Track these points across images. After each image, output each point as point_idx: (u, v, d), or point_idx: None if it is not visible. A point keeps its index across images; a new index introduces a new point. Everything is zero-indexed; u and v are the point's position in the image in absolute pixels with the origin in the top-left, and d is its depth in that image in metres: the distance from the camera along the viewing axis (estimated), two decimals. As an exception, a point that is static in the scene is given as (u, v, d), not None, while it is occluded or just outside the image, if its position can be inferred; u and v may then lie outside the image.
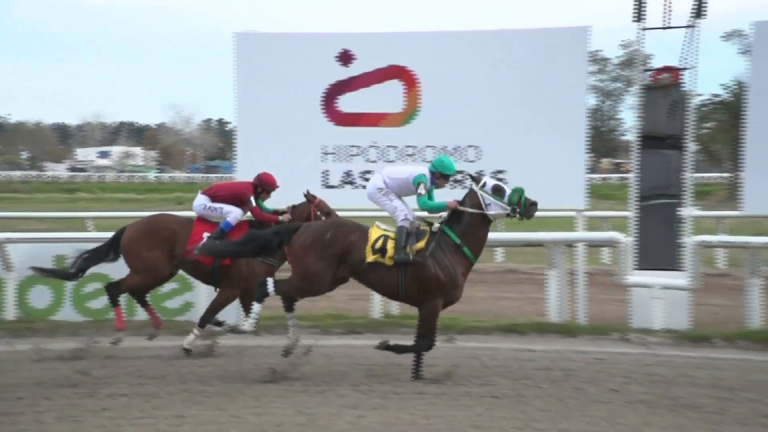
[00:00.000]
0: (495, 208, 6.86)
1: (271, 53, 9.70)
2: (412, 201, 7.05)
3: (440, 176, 7.15)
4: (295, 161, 9.56)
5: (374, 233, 6.92)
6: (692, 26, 9.56)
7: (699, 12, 9.30)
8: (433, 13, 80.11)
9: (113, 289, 7.98)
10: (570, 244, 9.82)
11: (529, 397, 6.25)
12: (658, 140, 10.01)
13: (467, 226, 6.90)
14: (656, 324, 8.81)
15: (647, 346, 8.18)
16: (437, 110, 9.45)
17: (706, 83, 53.85)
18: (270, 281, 6.96)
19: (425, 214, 7.10)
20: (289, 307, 7.18)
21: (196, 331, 7.83)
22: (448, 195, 7.49)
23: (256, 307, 6.96)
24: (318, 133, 9.58)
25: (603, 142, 61.47)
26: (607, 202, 28.47)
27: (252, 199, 8.05)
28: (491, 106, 9.44)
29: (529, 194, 9.64)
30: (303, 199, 7.95)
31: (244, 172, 9.51)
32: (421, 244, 6.82)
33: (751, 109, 9.21)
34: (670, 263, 9.57)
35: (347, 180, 9.64)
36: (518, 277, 13.49)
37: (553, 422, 5.63)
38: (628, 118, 57.03)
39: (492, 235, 13.66)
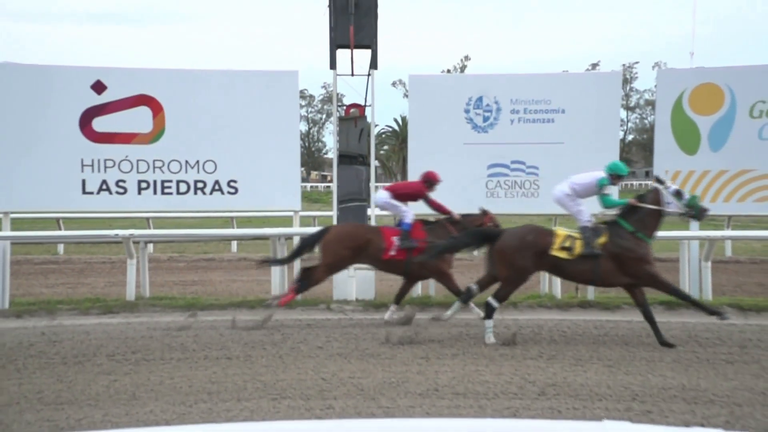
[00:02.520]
0: (673, 207, 7.12)
1: (33, 82, 9.21)
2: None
3: (616, 177, 7.46)
4: (56, 171, 9.26)
5: (560, 234, 7.09)
6: (369, 75, 10.05)
7: (373, 64, 9.82)
8: (182, 50, 76.35)
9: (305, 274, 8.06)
10: (289, 237, 9.97)
11: (256, 357, 6.43)
12: (351, 158, 10.46)
13: (644, 217, 7.09)
14: (351, 296, 9.30)
15: (344, 313, 8.52)
16: (180, 131, 9.46)
17: (382, 117, 58.58)
18: (492, 299, 7.15)
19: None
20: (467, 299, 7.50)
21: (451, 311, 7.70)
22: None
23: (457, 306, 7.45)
24: (77, 148, 9.32)
25: (312, 158, 63.30)
26: (316, 205, 28.96)
27: (428, 194, 8.37)
28: (224, 129, 9.51)
29: (256, 199, 10.16)
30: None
31: (5, 181, 9.24)
32: (602, 239, 7.03)
33: (411, 137, 9.99)
34: None
35: (103, 188, 9.41)
36: (249, 264, 12.94)
37: (274, 375, 5.85)
38: (329, 141, 59.33)
39: (227, 231, 13.91)
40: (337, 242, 7.99)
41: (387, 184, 8.35)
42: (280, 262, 8.67)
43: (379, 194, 8.45)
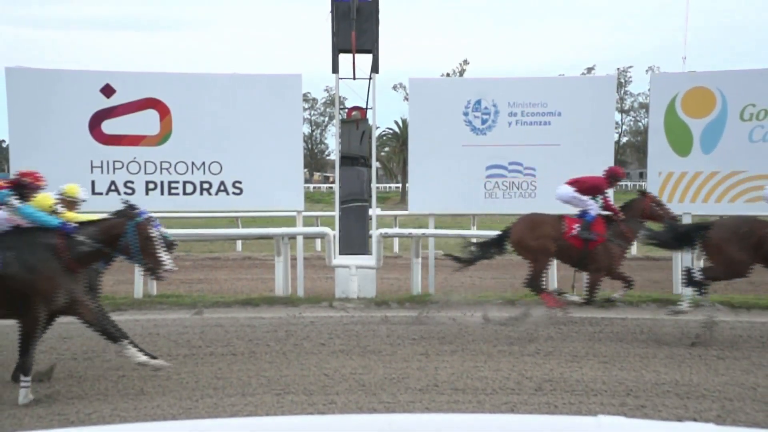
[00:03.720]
0: None
1: (43, 85, 9.21)
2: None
3: None
4: (67, 173, 9.15)
5: None
6: (371, 78, 10.08)
7: (375, 68, 9.82)
8: (189, 55, 76.53)
9: (532, 282, 7.85)
10: (292, 237, 9.95)
11: (260, 353, 6.44)
12: (353, 159, 10.57)
13: None
14: (352, 294, 9.22)
15: (346, 310, 8.48)
16: (187, 134, 9.44)
17: (383, 119, 58.86)
18: (696, 269, 7.06)
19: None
20: (701, 290, 7.24)
21: (575, 297, 7.87)
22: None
23: (689, 291, 7.30)
24: (86, 150, 9.32)
25: (315, 160, 63.31)
26: (319, 205, 29.10)
27: (607, 191, 8.03)
28: (229, 131, 9.48)
29: (261, 200, 10.13)
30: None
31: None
32: None
33: (411, 139, 9.98)
34: (362, 249, 10.13)
35: (112, 188, 9.40)
36: (253, 263, 13.48)
37: (278, 371, 5.86)
38: (332, 143, 59.46)
39: (232, 231, 13.93)
40: (530, 231, 7.84)
41: (570, 179, 8.04)
42: (466, 260, 8.19)
43: (564, 189, 8.03)
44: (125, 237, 5.45)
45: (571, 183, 8.02)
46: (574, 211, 7.98)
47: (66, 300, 5.41)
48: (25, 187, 5.68)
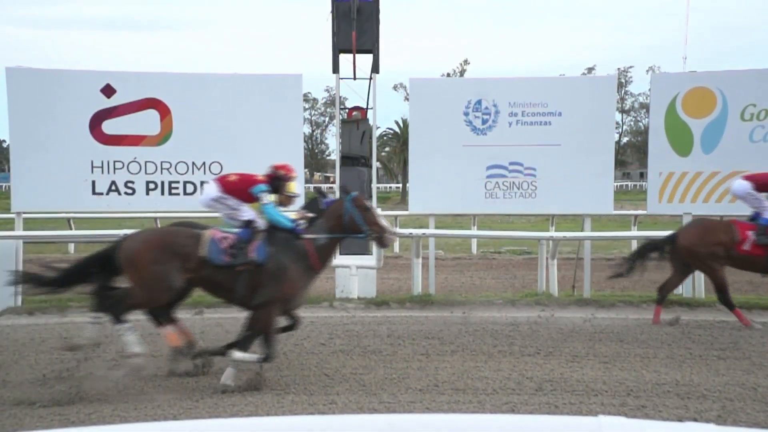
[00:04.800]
0: None
1: (44, 85, 9.19)
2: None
3: None
4: (67, 173, 9.25)
5: None
6: (371, 78, 10.06)
7: (375, 68, 9.81)
8: (190, 55, 76.60)
9: (725, 298, 7.63)
10: None
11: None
12: (353, 159, 10.56)
13: None
14: (353, 294, 9.21)
15: (346, 310, 8.50)
16: (187, 134, 9.42)
17: (383, 119, 58.84)
18: None
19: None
20: None
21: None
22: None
23: None
24: (87, 150, 9.28)
25: (315, 160, 63.31)
26: (319, 207, 29.30)
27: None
28: (229, 131, 9.43)
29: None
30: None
31: (18, 182, 9.30)
32: None
33: (412, 139, 9.97)
34: (363, 249, 9.88)
35: (112, 188, 9.38)
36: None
37: (278, 370, 5.85)
38: (332, 143, 59.41)
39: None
40: (700, 237, 7.60)
41: (747, 173, 7.79)
42: (627, 270, 7.95)
43: (740, 184, 7.75)
44: (347, 214, 5.80)
45: (749, 178, 7.73)
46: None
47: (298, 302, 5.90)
48: (279, 179, 6.08)
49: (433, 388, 5.46)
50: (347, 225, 5.82)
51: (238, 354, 5.53)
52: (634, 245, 13.58)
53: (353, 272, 9.29)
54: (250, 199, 5.96)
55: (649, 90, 11.31)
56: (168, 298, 5.70)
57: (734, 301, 7.81)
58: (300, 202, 7.03)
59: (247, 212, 5.93)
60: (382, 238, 5.91)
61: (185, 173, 9.49)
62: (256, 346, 5.65)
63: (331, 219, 5.86)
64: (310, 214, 5.96)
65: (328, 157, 62.73)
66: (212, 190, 6.05)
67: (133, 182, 9.40)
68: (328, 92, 54.79)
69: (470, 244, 14.80)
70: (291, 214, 6.05)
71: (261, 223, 5.85)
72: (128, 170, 9.41)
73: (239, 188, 5.99)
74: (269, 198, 5.95)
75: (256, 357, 5.58)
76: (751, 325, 7.51)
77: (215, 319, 7.93)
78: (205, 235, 5.68)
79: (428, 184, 9.69)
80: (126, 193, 9.39)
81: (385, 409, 4.98)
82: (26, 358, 6.36)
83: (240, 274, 5.61)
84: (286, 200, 6.15)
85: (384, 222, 5.90)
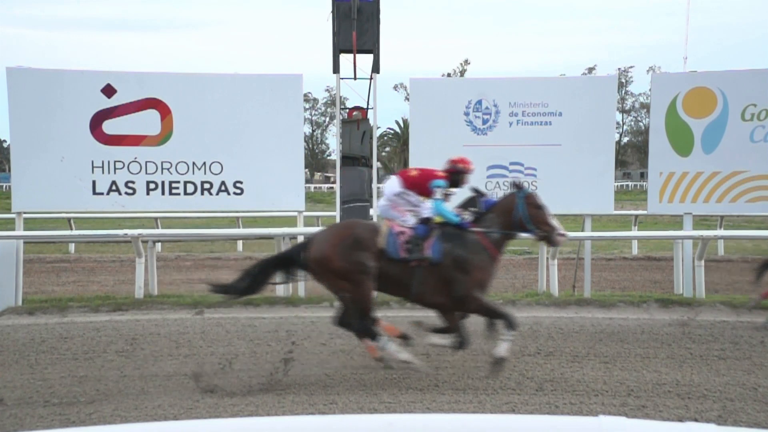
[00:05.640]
0: None
1: (44, 85, 9.19)
2: None
3: None
4: (68, 173, 9.24)
5: None
6: (371, 78, 9.98)
7: (375, 68, 9.74)
8: (190, 55, 76.62)
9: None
10: (293, 237, 9.78)
11: (260, 353, 6.43)
12: (354, 159, 10.48)
13: None
14: None
15: None
16: (188, 134, 9.41)
17: (384, 119, 58.93)
18: None
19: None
20: None
21: None
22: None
23: None
24: (87, 150, 9.27)
25: (316, 160, 63.34)
26: (320, 205, 29.00)
27: None
28: (230, 131, 9.45)
29: (261, 200, 10.07)
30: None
31: (18, 182, 9.30)
32: None
33: (412, 139, 9.88)
34: None
35: (113, 189, 9.35)
36: (254, 263, 13.09)
37: (276, 371, 5.71)
38: (333, 143, 59.45)
39: (233, 231, 13.90)
40: None
41: None
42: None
43: None
44: (517, 211, 5.88)
45: None
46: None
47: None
48: (459, 173, 6.21)
49: (434, 388, 5.46)
50: (516, 222, 5.91)
51: (503, 347, 5.62)
52: (635, 245, 13.61)
53: (354, 272, 9.30)
54: (428, 193, 6.08)
55: (650, 90, 11.29)
56: (372, 285, 5.78)
57: (735, 301, 7.79)
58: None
59: (427, 210, 6.05)
60: (550, 238, 5.95)
61: (186, 173, 9.48)
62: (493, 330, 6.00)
63: (502, 214, 5.96)
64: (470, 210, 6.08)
65: (328, 157, 62.81)
66: (395, 185, 6.20)
67: (133, 182, 9.38)
68: (329, 92, 55.02)
69: (470, 244, 14.70)
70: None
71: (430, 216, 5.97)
72: (129, 170, 9.38)
73: (419, 183, 6.13)
74: (443, 193, 6.04)
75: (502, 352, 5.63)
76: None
77: (216, 319, 7.95)
78: (383, 228, 5.83)
79: (429, 184, 9.70)
80: (126, 193, 9.38)
81: (385, 409, 4.98)
82: (27, 357, 6.36)
83: (414, 270, 5.69)
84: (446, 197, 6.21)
85: (554, 222, 5.94)
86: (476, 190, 6.39)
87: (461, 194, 6.59)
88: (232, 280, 6.14)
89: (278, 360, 5.90)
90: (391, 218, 6.12)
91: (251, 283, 6.04)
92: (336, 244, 5.75)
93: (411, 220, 6.08)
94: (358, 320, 5.81)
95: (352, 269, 5.67)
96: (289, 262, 6.10)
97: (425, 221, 5.97)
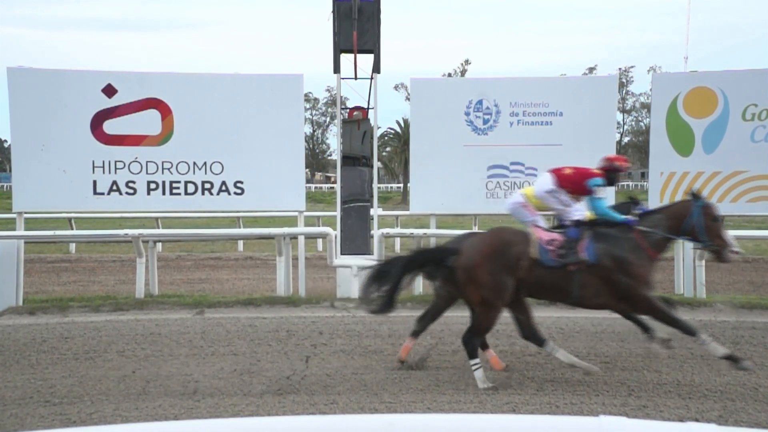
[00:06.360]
0: None
1: (45, 85, 9.21)
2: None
3: None
4: (68, 173, 9.26)
5: None
6: (372, 78, 10.07)
7: (376, 68, 9.82)
8: (191, 55, 76.64)
9: None
10: (293, 237, 9.93)
11: (261, 353, 6.42)
12: (354, 159, 10.56)
13: None
14: (354, 294, 9.00)
15: (348, 310, 8.44)
16: (188, 134, 9.44)
17: (384, 119, 58.87)
18: None
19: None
20: None
21: None
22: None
23: None
24: (88, 150, 9.32)
25: (316, 160, 63.35)
26: (320, 205, 29.29)
27: None
28: (231, 131, 9.47)
29: (262, 200, 10.08)
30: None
31: (19, 182, 9.32)
32: None
33: (413, 139, 9.96)
34: (364, 249, 10.05)
35: (114, 188, 9.39)
36: (254, 263, 13.52)
37: (279, 371, 5.85)
38: (333, 143, 59.45)
39: (234, 231, 13.96)
40: None
41: None
42: None
43: None
44: (691, 219, 5.66)
45: None
46: None
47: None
48: (615, 171, 6.06)
49: (434, 388, 5.45)
50: (686, 229, 5.70)
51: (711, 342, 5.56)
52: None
53: (354, 272, 9.23)
54: (584, 192, 5.95)
55: (651, 90, 11.31)
56: (506, 302, 5.69)
57: (735, 301, 7.76)
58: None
59: (578, 212, 5.95)
60: (722, 254, 5.69)
61: (186, 173, 9.49)
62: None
63: (672, 218, 5.74)
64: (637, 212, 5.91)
65: (329, 157, 62.97)
66: (547, 181, 6.08)
67: (134, 182, 9.40)
68: (329, 92, 55.08)
69: (471, 244, 14.70)
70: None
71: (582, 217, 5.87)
72: (129, 170, 9.42)
73: (574, 181, 6.00)
74: (603, 192, 5.90)
75: (720, 350, 5.52)
76: None
77: (216, 319, 7.93)
78: (533, 236, 5.68)
79: (429, 185, 9.69)
80: (127, 193, 9.39)
81: (386, 409, 4.97)
82: (27, 357, 6.35)
83: (572, 274, 5.56)
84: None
85: (728, 237, 5.70)
86: (632, 198, 6.15)
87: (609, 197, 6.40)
88: (367, 286, 5.95)
89: (278, 359, 5.88)
90: (521, 218, 6.01)
91: (394, 286, 5.78)
92: (489, 255, 5.57)
93: (542, 221, 5.97)
94: (471, 336, 5.68)
95: (494, 287, 5.53)
96: (436, 265, 5.83)
97: (577, 223, 5.80)
